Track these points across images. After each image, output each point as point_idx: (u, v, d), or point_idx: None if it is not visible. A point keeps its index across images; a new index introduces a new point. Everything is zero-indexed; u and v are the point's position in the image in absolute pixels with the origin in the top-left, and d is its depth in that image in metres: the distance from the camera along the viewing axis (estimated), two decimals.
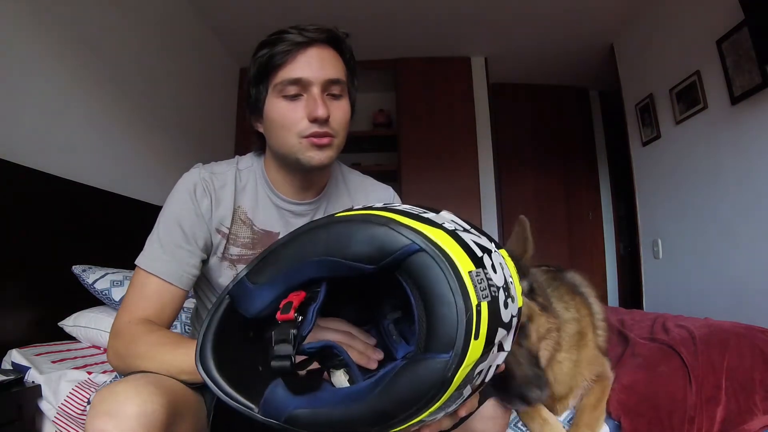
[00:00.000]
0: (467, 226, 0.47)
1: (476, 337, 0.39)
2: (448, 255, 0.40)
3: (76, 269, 1.53)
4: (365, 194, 0.96)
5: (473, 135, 3.16)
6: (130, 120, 2.02)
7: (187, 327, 1.49)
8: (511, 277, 0.46)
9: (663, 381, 0.98)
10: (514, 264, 0.50)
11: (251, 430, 0.51)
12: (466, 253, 0.41)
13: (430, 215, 0.45)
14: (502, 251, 0.48)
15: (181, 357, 0.64)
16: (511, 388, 0.74)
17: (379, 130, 3.37)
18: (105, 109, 1.86)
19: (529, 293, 0.82)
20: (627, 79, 2.86)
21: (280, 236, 0.86)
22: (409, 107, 3.18)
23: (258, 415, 0.44)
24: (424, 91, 3.19)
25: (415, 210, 0.46)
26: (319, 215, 0.89)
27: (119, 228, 1.81)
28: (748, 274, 1.94)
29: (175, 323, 1.51)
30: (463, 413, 0.52)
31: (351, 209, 0.48)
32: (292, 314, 0.45)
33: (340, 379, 0.53)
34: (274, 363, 0.45)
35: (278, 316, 0.45)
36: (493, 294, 0.42)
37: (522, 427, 0.93)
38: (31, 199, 1.42)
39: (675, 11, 2.38)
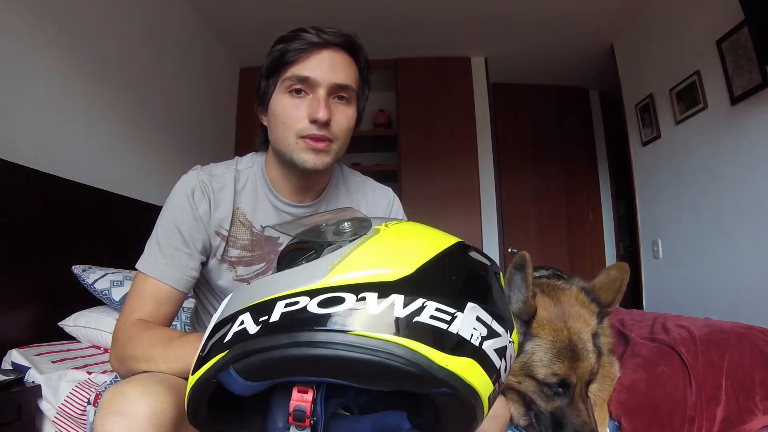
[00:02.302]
0: (491, 322, 0.42)
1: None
2: (477, 394, 0.39)
3: (76, 269, 1.53)
4: (365, 196, 0.96)
5: (473, 135, 3.16)
6: (130, 120, 2.02)
7: (187, 327, 1.49)
8: (513, 358, 0.46)
9: (663, 381, 0.98)
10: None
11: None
12: (489, 374, 0.40)
13: (457, 324, 0.39)
14: (515, 336, 0.46)
15: (173, 357, 0.64)
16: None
17: (379, 130, 3.37)
18: (105, 109, 1.86)
19: (594, 337, 0.85)
20: (627, 79, 2.86)
21: (279, 239, 0.86)
22: (409, 107, 3.18)
23: None
24: (424, 91, 3.19)
25: (441, 313, 0.39)
26: None
27: (119, 228, 1.81)
28: (748, 274, 1.94)
29: (175, 323, 1.51)
30: None
31: (365, 305, 0.38)
32: (308, 422, 0.42)
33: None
34: None
35: (290, 420, 0.43)
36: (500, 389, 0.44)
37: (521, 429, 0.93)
38: (31, 199, 1.42)
39: (675, 11, 2.38)
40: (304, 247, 0.51)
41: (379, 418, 0.46)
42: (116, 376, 1.13)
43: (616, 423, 0.94)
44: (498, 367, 0.41)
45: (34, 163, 1.43)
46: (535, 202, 3.55)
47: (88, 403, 1.10)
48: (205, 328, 0.96)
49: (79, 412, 1.11)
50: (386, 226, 0.48)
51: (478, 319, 0.41)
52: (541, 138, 3.63)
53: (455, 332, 0.38)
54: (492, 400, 0.42)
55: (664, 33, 2.47)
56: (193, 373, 0.43)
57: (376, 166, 3.32)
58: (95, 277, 1.52)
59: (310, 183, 0.86)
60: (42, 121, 1.54)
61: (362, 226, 0.47)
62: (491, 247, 3.14)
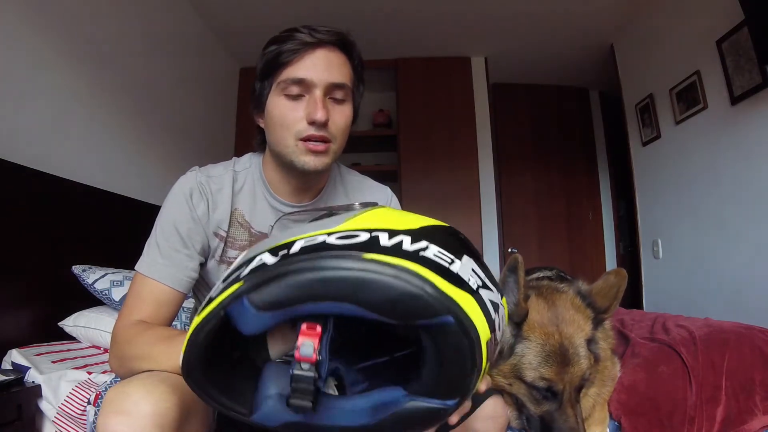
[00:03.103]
0: (484, 278, 0.46)
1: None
2: (477, 332, 0.41)
3: (76, 269, 1.53)
4: (362, 196, 0.96)
5: (473, 135, 3.16)
6: (130, 120, 2.02)
7: (186, 327, 1.49)
8: (505, 326, 0.50)
9: (663, 381, 0.98)
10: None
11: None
12: (486, 319, 0.42)
13: (457, 266, 0.43)
14: (504, 301, 0.49)
15: (176, 355, 0.63)
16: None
17: (379, 130, 3.37)
18: (105, 109, 1.86)
19: (589, 343, 0.85)
20: (627, 79, 2.86)
21: None
22: (409, 107, 3.18)
23: (248, 421, 0.44)
24: (424, 91, 3.19)
25: (443, 255, 0.43)
26: None
27: (119, 228, 1.81)
28: (748, 274, 1.94)
29: (175, 323, 1.51)
30: (455, 420, 0.55)
31: (377, 240, 0.42)
32: (314, 357, 0.43)
33: (330, 386, 0.53)
34: (293, 401, 0.43)
35: (297, 356, 0.43)
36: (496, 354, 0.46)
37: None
38: (31, 199, 1.42)
39: (675, 11, 2.38)
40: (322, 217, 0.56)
41: (375, 394, 0.46)
42: (116, 377, 1.13)
43: (616, 423, 0.94)
44: (493, 319, 0.43)
45: (34, 163, 1.43)
46: (535, 202, 3.55)
47: (88, 403, 1.10)
48: None
49: (79, 412, 1.11)
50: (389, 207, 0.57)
51: (473, 270, 0.44)
52: (541, 138, 3.63)
53: (456, 272, 0.42)
54: (490, 352, 0.43)
55: (664, 33, 2.47)
56: (199, 313, 0.44)
57: (376, 166, 3.33)
58: (95, 277, 1.52)
59: (308, 183, 0.85)
60: (42, 121, 1.54)
61: (369, 204, 0.55)
62: (491, 247, 3.14)
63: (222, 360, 0.46)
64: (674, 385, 0.96)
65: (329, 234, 0.43)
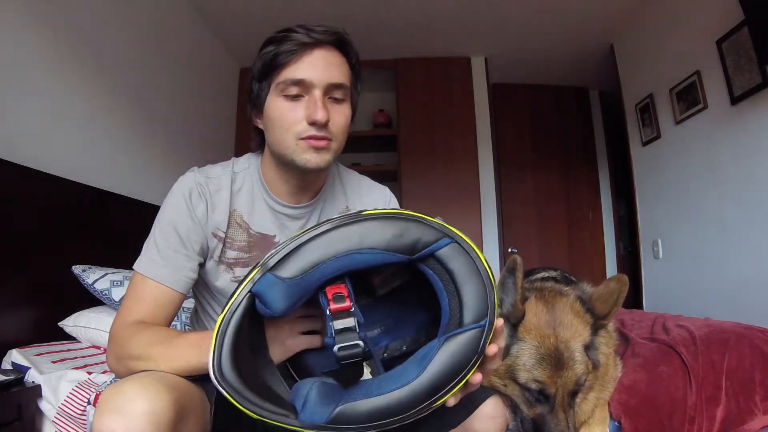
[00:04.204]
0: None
1: (500, 307, 0.50)
2: (475, 251, 0.49)
3: (76, 269, 1.53)
4: (360, 195, 0.96)
5: (473, 135, 3.16)
6: (130, 120, 2.02)
7: (186, 327, 1.49)
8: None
9: (663, 381, 0.98)
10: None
11: (252, 422, 0.52)
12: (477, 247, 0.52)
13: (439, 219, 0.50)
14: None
15: (174, 356, 0.64)
16: None
17: (379, 130, 3.37)
18: (105, 108, 1.86)
19: (587, 348, 0.85)
20: (627, 79, 2.86)
21: (276, 239, 0.86)
22: (409, 107, 3.18)
23: (295, 423, 0.45)
24: (424, 91, 3.19)
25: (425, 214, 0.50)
26: (314, 218, 0.89)
27: (119, 228, 1.81)
28: (748, 274, 1.94)
29: (175, 323, 1.51)
30: (452, 402, 0.55)
31: (371, 210, 0.51)
32: (348, 304, 0.46)
33: (364, 372, 0.56)
34: (341, 352, 0.45)
35: (332, 307, 0.46)
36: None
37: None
38: (31, 199, 1.42)
39: (675, 11, 2.38)
40: None
41: (412, 356, 0.50)
42: (116, 376, 1.13)
43: (616, 423, 0.94)
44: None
45: (34, 163, 1.43)
46: (535, 202, 3.55)
47: (88, 403, 1.10)
48: (205, 329, 0.96)
49: (79, 412, 1.11)
50: None
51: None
52: (541, 138, 3.63)
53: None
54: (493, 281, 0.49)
55: (664, 33, 2.47)
56: (224, 307, 0.48)
57: (376, 166, 3.33)
58: (95, 277, 1.52)
59: (307, 183, 0.85)
60: (42, 121, 1.54)
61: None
62: (491, 247, 3.15)
63: (249, 363, 0.48)
64: (674, 385, 0.96)
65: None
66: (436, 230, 0.47)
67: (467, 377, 0.47)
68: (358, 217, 0.47)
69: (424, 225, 0.47)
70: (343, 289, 0.47)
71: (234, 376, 0.45)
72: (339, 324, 0.45)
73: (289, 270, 0.47)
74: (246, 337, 0.49)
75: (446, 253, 0.47)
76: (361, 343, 0.45)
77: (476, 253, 0.48)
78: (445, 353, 0.46)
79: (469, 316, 0.47)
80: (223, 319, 0.47)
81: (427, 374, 0.46)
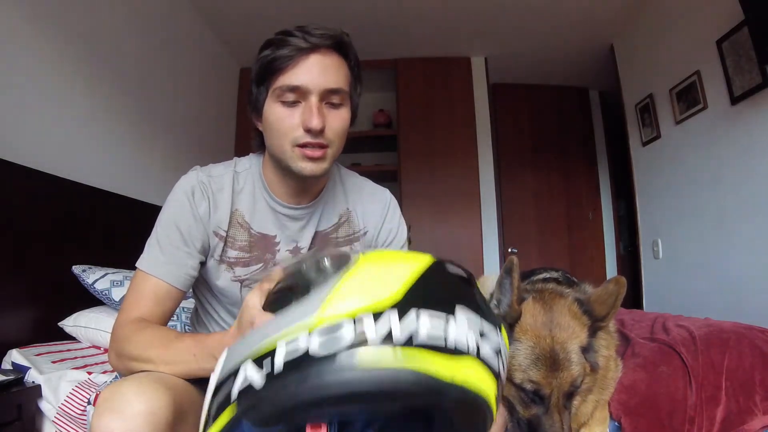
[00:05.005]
0: (480, 321, 0.43)
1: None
2: (483, 398, 0.41)
3: (76, 269, 1.53)
4: (361, 197, 0.95)
5: (473, 135, 3.16)
6: (130, 120, 2.02)
7: (186, 327, 1.49)
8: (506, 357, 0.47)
9: (663, 381, 0.98)
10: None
11: None
12: (492, 373, 0.42)
13: (452, 332, 0.40)
14: (503, 332, 0.47)
15: (171, 360, 0.64)
16: None
17: (379, 130, 3.37)
18: (105, 109, 1.86)
19: (585, 351, 0.85)
20: (627, 79, 2.86)
21: (277, 239, 0.86)
22: (409, 107, 3.18)
23: None
24: (424, 91, 3.19)
25: (435, 326, 0.40)
26: (314, 219, 0.89)
27: (119, 228, 1.81)
28: (748, 274, 1.94)
29: (175, 323, 1.51)
30: None
31: (363, 334, 0.39)
32: None
33: None
34: None
35: None
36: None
37: None
38: (31, 199, 1.42)
39: (675, 11, 2.38)
40: (292, 286, 0.51)
41: None
42: (116, 376, 1.13)
43: (616, 423, 0.94)
44: (497, 365, 0.43)
45: (34, 163, 1.43)
46: (535, 202, 3.55)
47: (88, 403, 1.10)
48: (205, 328, 0.96)
49: (79, 412, 1.11)
50: (363, 254, 0.48)
51: (469, 320, 0.42)
52: (541, 138, 3.63)
53: (452, 339, 0.40)
54: (498, 398, 0.42)
55: (664, 33, 2.47)
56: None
57: (376, 166, 3.33)
58: (95, 277, 1.52)
59: (306, 186, 0.86)
60: (42, 121, 1.54)
61: (342, 260, 0.48)
62: (491, 247, 3.15)
63: None
64: (674, 385, 0.96)
65: (310, 332, 0.40)
66: (439, 394, 0.40)
67: None
68: (355, 372, 0.38)
69: (424, 392, 0.39)
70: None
71: None
72: None
73: (264, 417, 0.41)
74: None
75: (450, 407, 0.41)
76: None
77: (481, 401, 0.41)
78: None
79: None
80: None
81: None
